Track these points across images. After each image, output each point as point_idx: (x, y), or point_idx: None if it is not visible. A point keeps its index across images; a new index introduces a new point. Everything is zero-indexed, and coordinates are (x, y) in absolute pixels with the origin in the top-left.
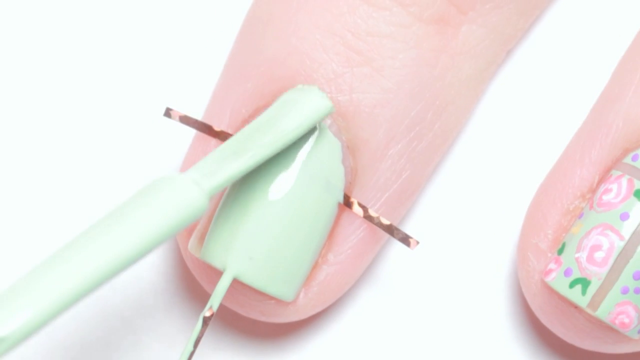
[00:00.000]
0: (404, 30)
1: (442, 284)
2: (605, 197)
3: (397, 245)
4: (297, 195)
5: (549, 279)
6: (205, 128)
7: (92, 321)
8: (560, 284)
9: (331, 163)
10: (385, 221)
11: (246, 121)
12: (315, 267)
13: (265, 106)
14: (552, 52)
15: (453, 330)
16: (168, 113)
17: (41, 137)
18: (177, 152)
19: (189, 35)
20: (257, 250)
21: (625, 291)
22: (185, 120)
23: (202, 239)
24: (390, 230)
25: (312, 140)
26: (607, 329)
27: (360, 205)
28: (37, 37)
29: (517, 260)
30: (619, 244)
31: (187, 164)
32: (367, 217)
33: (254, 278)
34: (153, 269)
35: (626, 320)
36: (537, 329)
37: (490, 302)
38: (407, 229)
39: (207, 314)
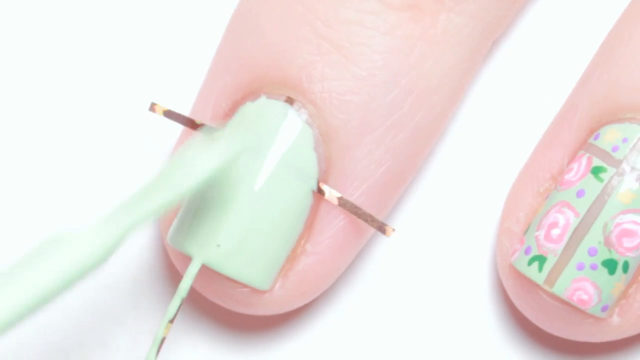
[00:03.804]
0: (374, 17)
1: (431, 280)
2: (566, 176)
3: (383, 244)
4: (266, 182)
5: (512, 259)
6: (187, 122)
7: (88, 323)
8: (521, 263)
9: (302, 151)
10: (359, 209)
11: (227, 115)
12: (293, 257)
13: (244, 98)
14: (543, 45)
15: (440, 325)
16: (153, 108)
17: (27, 131)
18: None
19: (182, 34)
20: (225, 238)
21: (580, 267)
22: (169, 114)
23: None
24: (365, 217)
25: (281, 127)
26: (572, 309)
27: (333, 192)
28: (24, 34)
29: (496, 247)
30: (575, 221)
31: None
32: (342, 204)
33: (222, 265)
34: (148, 271)
35: (585, 297)
36: (526, 327)
37: (480, 296)
38: (397, 223)
39: None
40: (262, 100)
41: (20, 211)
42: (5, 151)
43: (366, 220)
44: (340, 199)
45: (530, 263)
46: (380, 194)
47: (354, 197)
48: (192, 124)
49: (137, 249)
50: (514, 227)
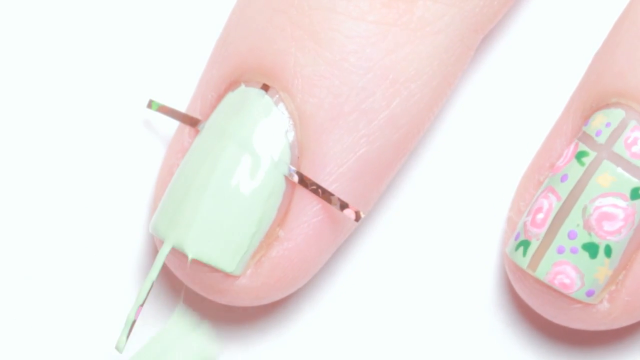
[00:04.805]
0: (346, 3)
1: (439, 266)
2: (557, 163)
3: (382, 242)
4: (238, 166)
5: (505, 247)
6: (179, 116)
7: (90, 320)
8: (510, 248)
9: (275, 136)
10: (331, 194)
11: (213, 106)
12: (267, 244)
13: (227, 89)
14: (550, 41)
15: (445, 311)
16: (150, 104)
17: (25, 130)
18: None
19: (185, 34)
20: (195, 221)
21: (561, 251)
22: (163, 110)
23: None
24: (335, 202)
25: (254, 113)
26: (559, 294)
27: (303, 177)
28: (23, 30)
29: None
30: (557, 205)
31: (170, 150)
32: (313, 190)
33: (191, 248)
34: (143, 262)
35: (566, 281)
36: (530, 316)
37: (487, 287)
38: (402, 215)
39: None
40: (241, 88)
41: (17, 207)
42: (4, 149)
43: (336, 206)
44: (311, 184)
45: (517, 248)
46: (355, 181)
47: (326, 183)
48: (183, 118)
49: (132, 240)
50: (515, 217)
